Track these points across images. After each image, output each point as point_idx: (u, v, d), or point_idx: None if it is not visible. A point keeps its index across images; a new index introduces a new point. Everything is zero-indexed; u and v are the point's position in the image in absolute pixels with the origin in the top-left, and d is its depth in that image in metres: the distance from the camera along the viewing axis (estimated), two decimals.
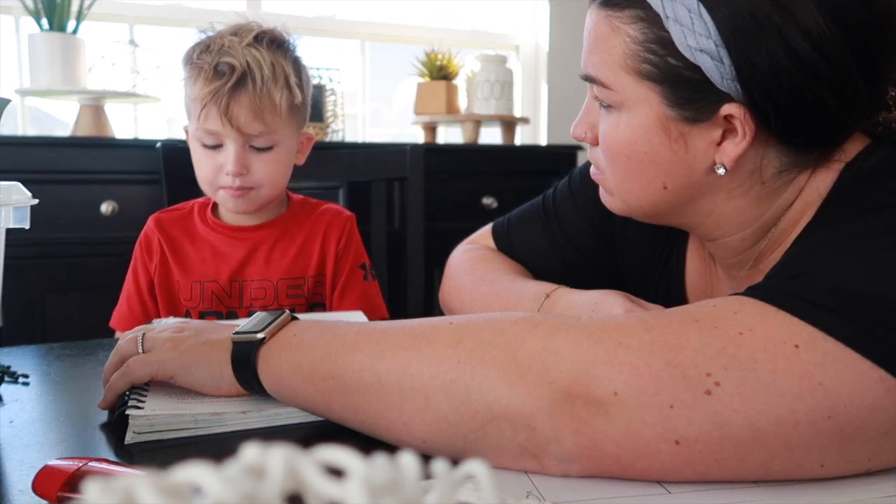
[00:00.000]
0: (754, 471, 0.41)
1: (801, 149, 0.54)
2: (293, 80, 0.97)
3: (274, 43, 0.97)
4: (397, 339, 0.48)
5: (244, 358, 0.53)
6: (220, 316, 1.01)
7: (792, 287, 0.43)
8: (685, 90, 0.53)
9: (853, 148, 0.55)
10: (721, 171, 0.54)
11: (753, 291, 0.44)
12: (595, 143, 0.62)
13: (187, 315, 1.00)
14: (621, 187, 0.61)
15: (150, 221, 1.05)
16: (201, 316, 1.00)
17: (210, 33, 0.97)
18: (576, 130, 0.64)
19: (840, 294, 0.41)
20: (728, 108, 0.52)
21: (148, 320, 1.02)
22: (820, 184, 0.55)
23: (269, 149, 0.96)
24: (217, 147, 0.95)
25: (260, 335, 0.53)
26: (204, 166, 0.96)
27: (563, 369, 0.42)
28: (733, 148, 0.53)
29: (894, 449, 0.41)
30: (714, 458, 0.41)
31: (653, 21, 0.52)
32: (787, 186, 0.56)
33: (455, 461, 0.21)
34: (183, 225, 1.05)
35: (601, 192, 0.66)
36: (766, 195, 0.57)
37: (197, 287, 1.01)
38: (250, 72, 0.93)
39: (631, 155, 0.57)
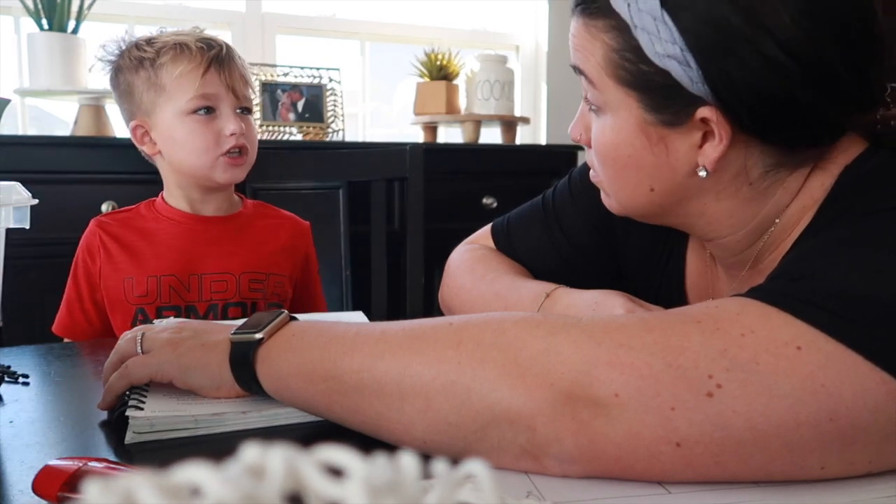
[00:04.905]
0: (755, 472, 0.41)
1: (786, 148, 0.54)
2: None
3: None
4: (397, 340, 0.48)
5: (243, 359, 0.53)
6: (178, 310, 1.00)
7: (794, 289, 0.43)
8: (659, 95, 0.53)
9: (852, 151, 0.55)
10: (703, 173, 0.55)
11: (756, 293, 0.44)
12: (591, 146, 0.63)
13: (138, 314, 0.99)
14: (613, 189, 0.62)
15: (91, 225, 1.05)
16: (158, 311, 0.99)
17: (126, 40, 1.03)
18: (573, 132, 0.65)
19: (843, 296, 0.42)
20: (702, 112, 0.52)
21: (90, 327, 1.03)
22: (818, 186, 0.55)
23: (249, 113, 1.05)
24: (210, 115, 0.99)
25: (258, 335, 0.53)
26: (200, 136, 0.99)
27: (563, 371, 0.42)
28: (712, 150, 0.53)
29: (895, 451, 0.41)
30: (715, 460, 0.41)
31: (624, 30, 0.53)
32: (778, 187, 0.56)
33: (455, 462, 0.21)
34: (131, 224, 1.04)
35: (601, 193, 0.66)
36: (757, 196, 0.57)
37: (153, 282, 1.00)
38: (229, 47, 1.03)
39: (616, 158, 0.58)
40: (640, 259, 0.76)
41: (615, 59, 0.54)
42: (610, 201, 0.65)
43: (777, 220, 0.58)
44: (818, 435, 0.40)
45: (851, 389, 0.39)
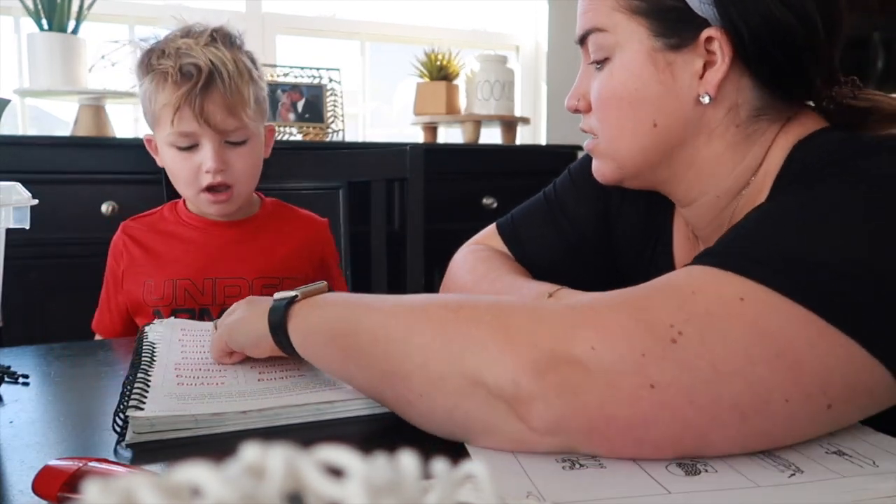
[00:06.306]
0: (729, 411, 0.44)
1: (770, 92, 0.61)
2: (254, 73, 1.00)
3: (227, 39, 1.00)
4: (409, 303, 0.52)
5: (279, 312, 0.58)
6: (192, 313, 1.00)
7: (736, 248, 0.49)
8: (669, 19, 0.60)
9: (809, 125, 0.62)
10: (706, 99, 0.61)
11: (702, 258, 0.50)
12: (588, 110, 0.68)
13: (157, 314, 1.00)
14: (613, 136, 0.66)
15: (119, 229, 1.07)
16: (173, 313, 0.99)
17: (153, 39, 0.99)
18: (569, 102, 0.69)
19: (772, 252, 0.47)
20: (707, 32, 0.59)
21: (112, 326, 1.06)
22: (778, 156, 0.62)
23: (243, 143, 0.99)
24: (192, 148, 0.97)
25: (294, 293, 0.59)
26: (182, 169, 0.98)
27: (546, 332, 0.46)
28: (714, 74, 0.60)
29: (841, 381, 0.45)
30: (688, 400, 0.44)
31: None
32: (757, 139, 0.62)
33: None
34: (154, 226, 1.06)
35: (594, 163, 0.70)
36: (740, 142, 0.63)
37: (170, 285, 1.01)
38: (216, 70, 0.95)
39: (623, 95, 0.63)
40: (633, 243, 0.80)
41: None
42: (604, 165, 0.69)
43: (751, 180, 0.63)
44: (772, 371, 0.44)
45: (790, 330, 0.44)
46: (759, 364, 0.44)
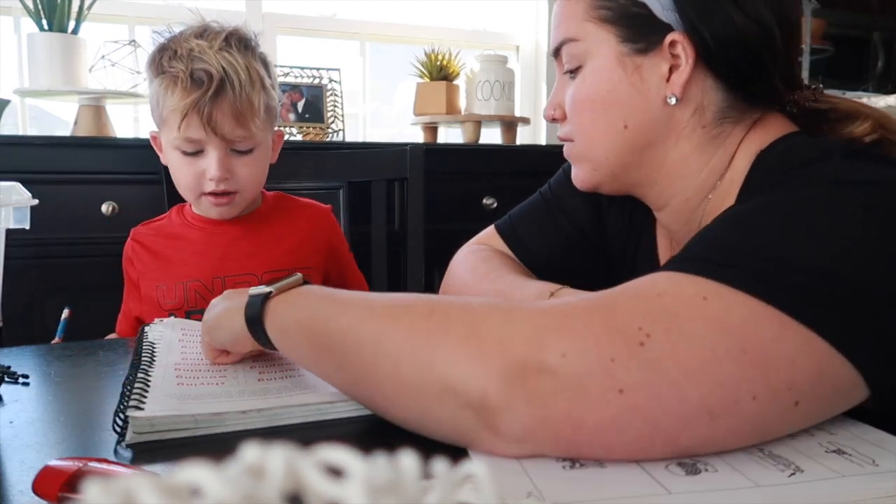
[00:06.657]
0: (697, 410, 0.44)
1: (734, 89, 0.63)
2: (267, 81, 0.98)
3: (242, 44, 0.98)
4: (380, 307, 0.51)
5: (255, 310, 0.58)
6: None
7: (696, 254, 0.50)
8: (635, 25, 0.63)
9: (773, 131, 0.64)
10: (672, 100, 0.64)
11: (665, 266, 0.51)
12: (564, 119, 0.71)
13: (171, 317, 1.00)
14: (587, 138, 0.69)
15: (129, 235, 1.07)
16: (187, 316, 0.99)
17: (168, 35, 0.97)
18: (546, 112, 0.73)
19: (733, 253, 0.48)
20: (671, 36, 0.62)
21: (132, 327, 1.07)
22: (743, 163, 0.64)
23: (249, 151, 0.98)
24: (197, 154, 0.95)
25: (269, 289, 0.58)
26: (185, 174, 0.97)
27: (516, 339, 0.46)
28: (679, 76, 0.63)
29: (807, 377, 0.45)
30: (656, 402, 0.43)
31: None
32: (722, 141, 0.65)
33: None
34: (162, 230, 1.06)
35: (572, 170, 0.74)
36: (706, 143, 0.65)
37: (181, 288, 1.00)
38: (228, 78, 0.93)
39: (595, 98, 0.66)
40: (620, 241, 0.81)
41: (597, 3, 0.65)
42: (581, 169, 0.72)
43: (717, 184, 0.66)
44: (738, 366, 0.44)
45: (753, 325, 0.45)
46: (725, 361, 0.44)
